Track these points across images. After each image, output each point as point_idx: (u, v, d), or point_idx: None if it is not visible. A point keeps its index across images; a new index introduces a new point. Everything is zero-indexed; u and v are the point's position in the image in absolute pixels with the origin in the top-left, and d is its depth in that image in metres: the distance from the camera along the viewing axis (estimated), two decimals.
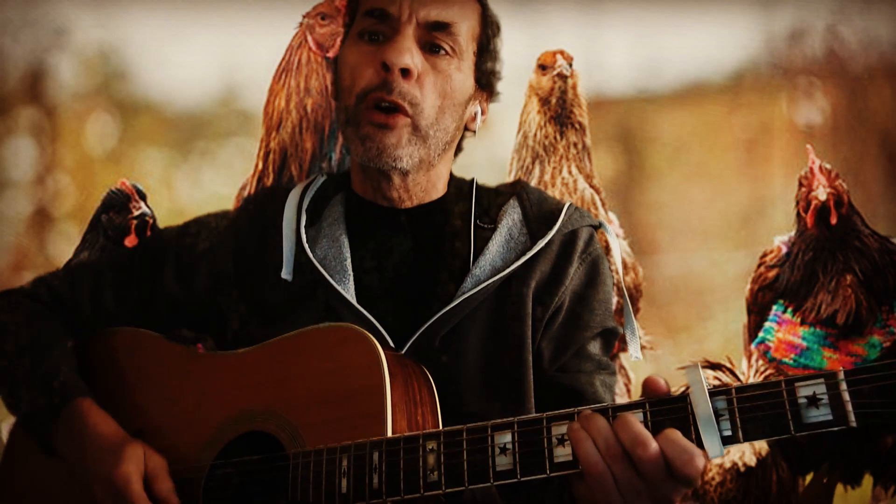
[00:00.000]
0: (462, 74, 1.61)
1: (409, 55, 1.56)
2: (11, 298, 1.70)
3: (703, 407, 1.24)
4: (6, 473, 1.67)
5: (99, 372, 1.62)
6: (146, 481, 1.46)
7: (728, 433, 1.24)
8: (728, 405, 1.24)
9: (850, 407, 1.19)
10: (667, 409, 1.26)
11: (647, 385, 1.29)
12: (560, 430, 1.30)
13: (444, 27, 1.59)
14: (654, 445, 1.24)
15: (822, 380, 1.21)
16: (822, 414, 1.20)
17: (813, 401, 1.21)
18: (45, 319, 1.65)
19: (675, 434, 1.24)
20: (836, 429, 1.20)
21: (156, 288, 1.68)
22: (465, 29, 1.61)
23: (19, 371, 1.59)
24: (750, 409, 1.23)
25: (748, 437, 1.24)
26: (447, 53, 1.59)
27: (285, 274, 1.60)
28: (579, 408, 1.30)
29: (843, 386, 1.20)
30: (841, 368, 1.21)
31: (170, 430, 1.54)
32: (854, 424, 1.19)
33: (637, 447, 1.24)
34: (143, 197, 2.29)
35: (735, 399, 1.24)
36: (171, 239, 1.72)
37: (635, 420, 1.26)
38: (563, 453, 1.29)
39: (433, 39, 1.59)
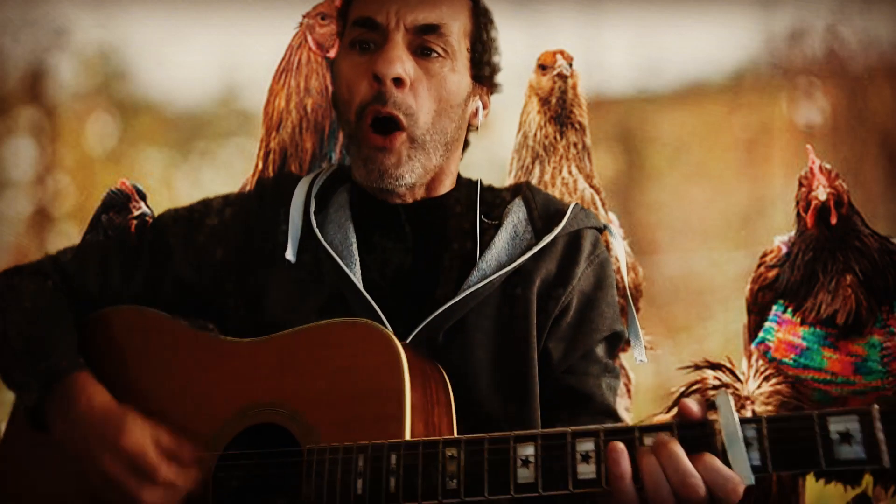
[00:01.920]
0: (457, 75, 1.61)
1: (400, 63, 1.55)
2: (15, 277, 1.69)
3: (733, 436, 1.23)
4: (2, 464, 1.65)
5: (103, 350, 1.59)
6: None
7: (757, 463, 1.22)
8: (758, 434, 1.22)
9: (884, 447, 1.17)
10: (695, 434, 1.25)
11: (682, 410, 1.27)
12: (585, 446, 1.28)
13: (433, 29, 1.58)
14: (703, 489, 1.22)
15: (855, 416, 1.18)
16: (854, 451, 1.18)
17: (845, 437, 1.18)
18: (48, 297, 1.64)
19: (715, 462, 1.23)
20: (868, 468, 1.18)
21: (164, 269, 1.67)
22: (456, 28, 1.60)
23: (18, 352, 1.57)
24: (780, 440, 1.21)
25: (777, 468, 1.21)
26: (439, 55, 1.58)
27: (289, 255, 1.59)
28: (603, 426, 1.30)
29: (879, 425, 1.17)
30: (875, 406, 1.19)
31: (178, 416, 1.51)
32: (888, 465, 1.17)
33: (682, 487, 1.23)
34: (143, 197, 2.29)
35: (765, 429, 1.22)
36: (181, 220, 1.71)
37: (681, 452, 1.24)
38: (586, 470, 1.27)
39: (424, 43, 1.58)
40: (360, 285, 1.55)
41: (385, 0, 1.57)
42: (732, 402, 1.23)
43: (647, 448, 1.26)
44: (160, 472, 1.41)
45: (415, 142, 1.57)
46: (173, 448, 1.44)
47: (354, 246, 1.59)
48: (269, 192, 1.71)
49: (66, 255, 1.73)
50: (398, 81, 1.55)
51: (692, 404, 1.27)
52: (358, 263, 1.57)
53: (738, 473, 1.22)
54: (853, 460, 1.18)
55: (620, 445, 1.26)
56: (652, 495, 1.24)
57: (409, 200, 1.65)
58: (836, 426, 1.19)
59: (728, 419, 1.23)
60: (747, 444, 1.22)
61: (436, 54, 1.58)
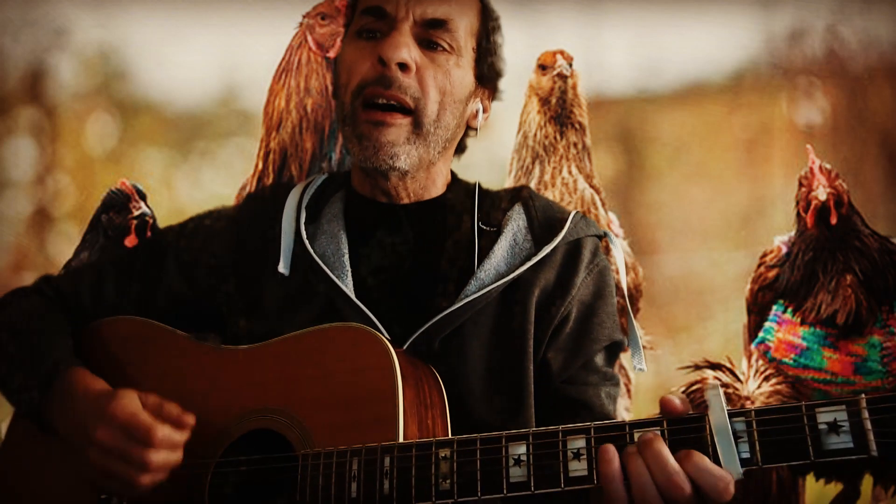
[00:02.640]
0: (461, 71, 1.60)
1: (406, 49, 1.55)
2: (14, 296, 1.71)
3: (722, 428, 1.23)
4: (3, 467, 1.66)
5: (103, 361, 1.61)
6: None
7: (746, 455, 1.23)
8: (747, 427, 1.23)
9: (871, 436, 1.18)
10: (685, 428, 1.26)
11: (663, 405, 1.28)
12: (576, 443, 1.29)
13: (441, 24, 1.58)
14: (688, 487, 1.23)
15: (843, 406, 1.19)
16: (842, 441, 1.19)
17: (833, 427, 1.19)
18: (45, 312, 1.66)
19: (704, 461, 1.23)
20: (855, 457, 1.18)
21: (158, 283, 1.68)
22: (464, 25, 1.60)
23: (16, 359, 1.59)
24: (769, 432, 1.22)
25: (767, 461, 1.22)
26: (445, 50, 1.59)
27: (282, 268, 1.59)
28: (594, 423, 1.30)
29: (865, 414, 1.18)
30: (863, 395, 1.20)
31: None
32: (875, 454, 1.17)
33: (666, 482, 1.23)
34: (143, 197, 2.29)
35: (754, 421, 1.23)
36: (173, 235, 1.73)
37: (665, 450, 1.24)
38: (578, 468, 1.28)
39: (430, 36, 1.58)
40: (353, 295, 1.54)
41: None
42: (723, 396, 1.24)
43: (634, 449, 1.26)
44: (156, 431, 1.40)
45: (420, 129, 1.57)
46: (163, 407, 1.43)
47: (346, 257, 1.59)
48: (261, 204, 1.71)
49: (58, 275, 1.75)
50: (403, 67, 1.55)
51: (674, 399, 1.28)
52: (350, 274, 1.57)
53: (727, 467, 1.23)
54: (841, 450, 1.19)
55: (612, 449, 1.27)
56: (639, 496, 1.25)
57: (405, 200, 1.64)
58: (824, 417, 1.20)
59: (717, 413, 1.23)
60: (737, 437, 1.23)
61: (441, 48, 1.58)
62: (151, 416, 1.42)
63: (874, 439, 1.18)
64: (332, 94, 2.20)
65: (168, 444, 1.41)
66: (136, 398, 1.44)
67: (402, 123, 1.56)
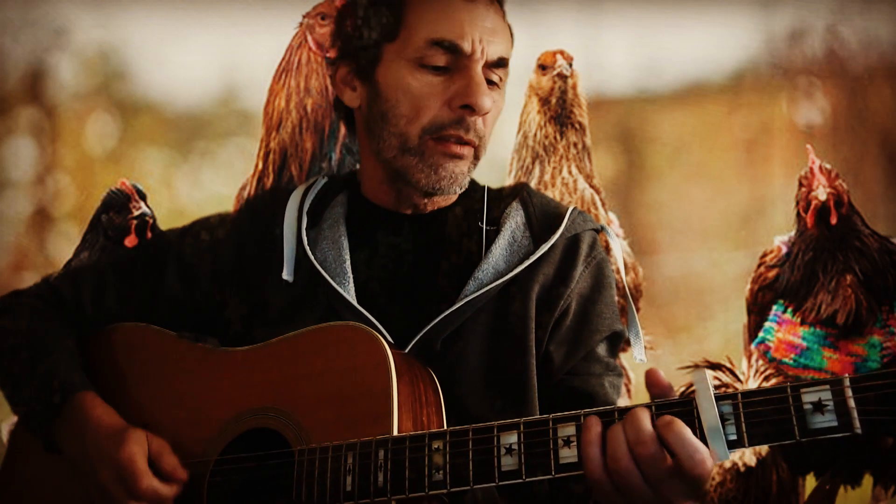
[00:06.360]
0: (503, 101, 1.63)
1: (489, 98, 1.55)
2: (14, 300, 1.71)
3: (709, 411, 1.24)
4: (7, 474, 1.67)
5: (104, 367, 1.62)
6: (151, 464, 1.47)
7: (733, 437, 1.24)
8: (734, 410, 1.24)
9: (855, 414, 1.19)
10: (672, 412, 1.27)
11: (649, 377, 1.29)
12: (566, 431, 1.30)
13: (503, 63, 1.59)
14: (655, 444, 1.24)
15: (827, 386, 1.21)
16: (827, 420, 1.21)
17: (818, 407, 1.21)
18: (48, 319, 1.66)
19: (685, 431, 1.24)
20: (840, 435, 1.19)
21: (158, 289, 1.68)
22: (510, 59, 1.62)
23: (21, 370, 1.59)
24: (755, 413, 1.24)
25: (753, 442, 1.24)
26: (497, 86, 1.60)
27: (286, 275, 1.60)
28: (584, 410, 1.31)
29: (849, 392, 1.20)
30: (846, 375, 1.21)
31: (175, 425, 1.54)
32: (859, 431, 1.19)
33: (638, 445, 1.24)
34: (143, 197, 2.29)
35: (741, 404, 1.24)
36: (173, 240, 1.73)
37: (645, 417, 1.26)
38: (568, 454, 1.30)
39: (491, 75, 1.58)
40: (354, 301, 1.55)
41: (464, 25, 1.55)
42: (709, 379, 1.25)
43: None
44: (140, 482, 1.44)
45: (477, 159, 1.60)
46: (162, 457, 1.47)
47: (348, 263, 1.59)
48: (261, 208, 1.71)
49: (59, 278, 1.75)
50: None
51: (659, 371, 1.30)
52: (351, 280, 1.57)
53: (714, 450, 1.24)
54: (826, 429, 1.21)
55: (595, 419, 1.29)
56: (611, 455, 1.26)
57: (428, 210, 1.65)
58: (808, 397, 1.22)
59: (704, 396, 1.24)
60: (724, 419, 1.25)
61: (495, 85, 1.59)
62: (146, 463, 1.46)
63: (858, 417, 1.19)
64: (334, 105, 2.13)
65: (151, 496, 1.45)
66: (144, 440, 1.48)
67: (468, 155, 1.58)
